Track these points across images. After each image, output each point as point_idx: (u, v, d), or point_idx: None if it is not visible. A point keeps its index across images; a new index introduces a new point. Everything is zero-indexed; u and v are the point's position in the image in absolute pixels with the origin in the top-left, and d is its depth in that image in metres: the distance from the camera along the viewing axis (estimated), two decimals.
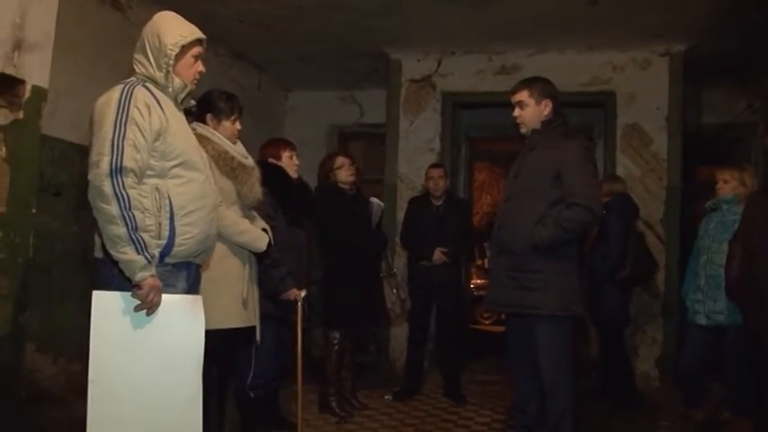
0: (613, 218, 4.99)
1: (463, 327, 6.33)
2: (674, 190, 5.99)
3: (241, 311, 3.40)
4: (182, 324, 2.54)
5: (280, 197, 4.00)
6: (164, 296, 2.48)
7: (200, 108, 3.46)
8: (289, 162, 4.18)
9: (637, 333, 5.93)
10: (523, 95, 3.58)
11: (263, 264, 3.62)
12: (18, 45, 3.11)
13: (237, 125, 3.51)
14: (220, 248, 3.35)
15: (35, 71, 3.22)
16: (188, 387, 2.52)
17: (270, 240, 3.50)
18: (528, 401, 3.63)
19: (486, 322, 10.15)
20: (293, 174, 4.20)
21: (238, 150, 3.48)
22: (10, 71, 3.07)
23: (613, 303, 5.10)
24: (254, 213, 3.61)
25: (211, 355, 3.44)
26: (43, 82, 3.28)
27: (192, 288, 2.76)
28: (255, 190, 3.49)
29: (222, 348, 3.46)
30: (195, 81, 2.73)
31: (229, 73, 6.38)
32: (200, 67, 2.73)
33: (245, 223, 3.44)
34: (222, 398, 3.66)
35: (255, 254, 3.50)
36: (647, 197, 5.94)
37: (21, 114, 3.15)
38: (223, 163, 3.37)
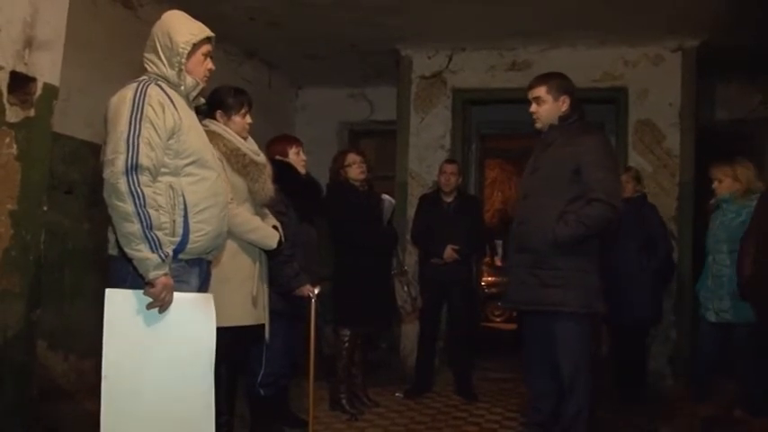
0: (656, 218, 5.08)
1: (474, 325, 6.30)
2: (686, 186, 5.94)
3: (251, 309, 3.41)
4: (194, 322, 2.56)
5: (290, 194, 4.00)
6: (176, 294, 2.49)
7: (210, 105, 3.47)
8: (296, 158, 4.18)
9: (651, 330, 5.88)
10: (541, 91, 3.55)
11: (277, 260, 3.62)
12: (29, 43, 3.11)
13: (248, 119, 3.51)
14: (231, 246, 3.36)
15: (46, 69, 3.22)
16: (200, 384, 2.54)
17: (281, 238, 3.50)
18: (542, 399, 3.61)
19: (498, 320, 10.13)
20: (302, 170, 4.20)
21: (250, 147, 3.48)
22: (21, 69, 3.07)
23: (647, 302, 5.11)
24: (266, 211, 3.61)
25: (221, 352, 3.46)
26: (54, 80, 3.29)
27: (204, 284, 2.78)
28: (267, 187, 3.49)
29: (232, 346, 3.47)
30: (206, 78, 2.76)
31: (240, 71, 6.39)
32: (209, 64, 2.76)
33: (257, 221, 3.44)
34: (232, 395, 3.67)
35: (266, 251, 3.50)
36: (659, 194, 5.89)
37: (32, 112, 3.15)
38: (235, 160, 3.37)
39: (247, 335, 3.47)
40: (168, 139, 2.53)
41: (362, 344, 4.87)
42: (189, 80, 2.66)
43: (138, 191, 2.39)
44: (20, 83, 3.08)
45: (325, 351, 5.14)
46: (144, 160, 2.41)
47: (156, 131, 2.47)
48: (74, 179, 4.41)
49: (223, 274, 3.34)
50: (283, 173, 3.96)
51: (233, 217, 3.28)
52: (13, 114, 3.06)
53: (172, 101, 2.58)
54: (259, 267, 3.47)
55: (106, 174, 2.41)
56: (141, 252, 2.39)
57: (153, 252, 2.39)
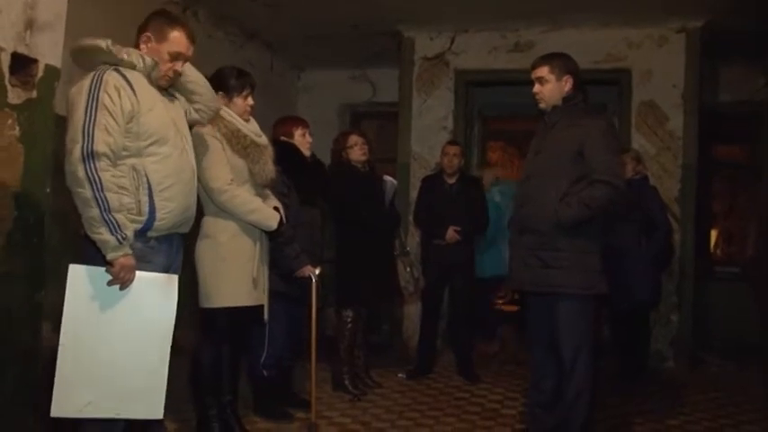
0: (656, 200, 5.08)
1: (474, 306, 6.31)
2: (689, 168, 5.93)
3: (251, 290, 3.42)
4: (154, 300, 2.66)
5: (293, 175, 3.99)
6: (138, 273, 2.61)
7: (213, 86, 3.46)
8: (301, 140, 4.18)
9: (651, 313, 5.90)
10: (544, 71, 3.53)
11: (277, 241, 3.62)
12: (30, 24, 3.10)
13: (250, 101, 3.51)
14: (231, 227, 3.37)
15: (48, 50, 3.22)
16: (153, 359, 2.65)
17: (281, 219, 3.50)
18: (544, 380, 3.62)
19: (500, 302, 10.13)
20: (306, 151, 4.20)
21: (251, 128, 3.47)
22: (22, 50, 3.07)
23: (647, 285, 5.12)
24: (268, 192, 3.61)
25: (223, 333, 3.48)
26: (56, 61, 3.28)
27: (174, 261, 2.87)
28: (268, 168, 3.49)
29: (232, 326, 3.49)
30: (167, 78, 2.79)
31: (241, 53, 6.36)
32: (177, 66, 2.79)
33: (257, 202, 3.44)
34: (235, 376, 3.69)
35: (267, 232, 3.50)
36: (662, 175, 5.90)
37: (34, 93, 3.15)
38: (235, 141, 3.37)
39: (248, 315, 3.48)
40: (127, 123, 2.60)
41: (365, 325, 4.89)
42: (148, 60, 2.70)
43: (96, 176, 2.49)
44: (21, 64, 3.08)
45: (327, 332, 5.16)
46: (100, 147, 2.50)
47: (113, 117, 2.55)
48: None
49: (223, 255, 3.36)
50: (287, 154, 3.96)
51: (233, 198, 3.30)
52: (15, 96, 3.06)
53: (130, 84, 2.62)
54: (260, 248, 3.48)
55: (65, 162, 2.53)
56: (102, 235, 2.51)
57: (111, 234, 2.51)
